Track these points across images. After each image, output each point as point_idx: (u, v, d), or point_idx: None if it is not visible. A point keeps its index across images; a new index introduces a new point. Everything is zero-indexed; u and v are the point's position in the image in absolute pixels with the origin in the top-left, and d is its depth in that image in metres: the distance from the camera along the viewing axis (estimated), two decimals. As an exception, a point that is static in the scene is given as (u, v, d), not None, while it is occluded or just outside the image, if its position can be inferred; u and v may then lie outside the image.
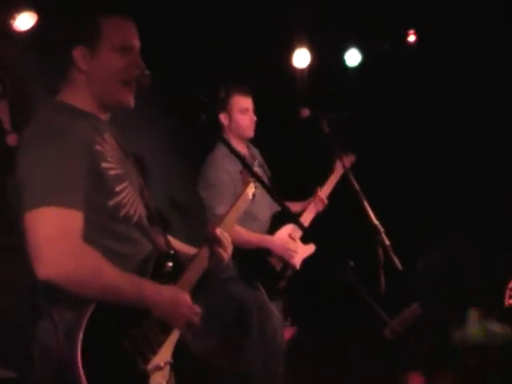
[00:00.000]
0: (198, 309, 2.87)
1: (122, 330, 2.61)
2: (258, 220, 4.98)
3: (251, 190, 3.40)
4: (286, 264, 5.04)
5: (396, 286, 4.50)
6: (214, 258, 3.08)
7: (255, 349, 4.87)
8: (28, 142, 2.68)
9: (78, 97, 2.82)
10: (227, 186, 4.84)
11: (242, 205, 3.37)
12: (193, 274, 2.99)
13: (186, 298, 2.83)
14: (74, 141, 2.61)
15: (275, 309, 5.03)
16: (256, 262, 4.92)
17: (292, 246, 5.05)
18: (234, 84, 5.14)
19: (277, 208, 5.13)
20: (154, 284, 2.77)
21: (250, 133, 5.15)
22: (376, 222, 4.66)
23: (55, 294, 2.59)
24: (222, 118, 5.10)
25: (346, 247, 4.59)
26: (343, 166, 5.28)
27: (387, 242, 4.56)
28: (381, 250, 4.54)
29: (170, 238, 3.18)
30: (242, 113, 5.09)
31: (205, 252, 3.06)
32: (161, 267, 2.87)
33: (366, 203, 4.74)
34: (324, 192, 5.47)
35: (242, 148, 5.14)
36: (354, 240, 5.64)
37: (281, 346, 5.09)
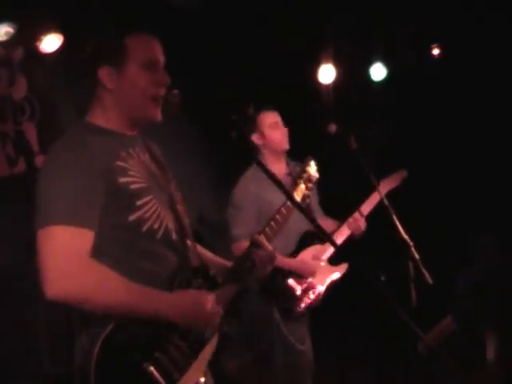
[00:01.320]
0: (218, 309, 2.83)
1: (143, 351, 2.58)
2: (283, 237, 4.86)
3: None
4: (308, 288, 4.88)
5: (427, 300, 4.47)
6: (259, 265, 3.05)
7: (269, 364, 4.83)
8: (45, 160, 2.74)
9: (104, 116, 2.84)
10: (249, 208, 4.86)
11: (285, 214, 3.33)
12: (228, 290, 2.98)
13: (206, 298, 2.76)
14: (88, 157, 2.62)
15: (300, 331, 4.94)
16: (274, 283, 4.79)
17: (316, 267, 4.91)
18: (257, 104, 5.12)
19: (308, 226, 5.06)
20: (170, 294, 2.73)
21: (285, 145, 5.07)
22: (405, 236, 4.63)
23: (84, 316, 2.60)
24: (255, 138, 5.06)
25: (376, 262, 4.57)
26: (386, 189, 5.24)
27: (417, 257, 4.53)
28: (411, 265, 4.50)
29: (204, 250, 3.19)
30: (272, 127, 5.05)
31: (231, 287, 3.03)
32: (188, 283, 2.83)
33: (395, 218, 4.71)
34: (364, 211, 5.23)
35: (280, 166, 5.06)
36: (384, 254, 5.61)
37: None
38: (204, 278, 2.91)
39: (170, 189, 3.00)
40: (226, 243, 6.05)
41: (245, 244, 4.68)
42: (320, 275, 4.94)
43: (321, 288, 4.94)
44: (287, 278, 4.82)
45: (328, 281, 4.99)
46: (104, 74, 2.80)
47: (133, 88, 2.82)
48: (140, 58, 2.81)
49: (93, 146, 2.66)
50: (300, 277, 4.88)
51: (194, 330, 2.75)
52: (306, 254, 4.98)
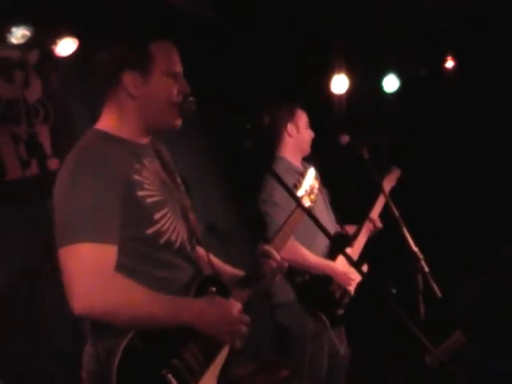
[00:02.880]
0: (246, 318, 2.84)
1: (161, 358, 2.60)
2: (315, 246, 4.88)
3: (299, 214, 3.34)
4: (345, 291, 4.92)
5: (435, 314, 4.46)
6: (267, 276, 3.05)
7: (303, 378, 4.78)
8: (64, 173, 2.68)
9: (119, 123, 2.81)
10: (290, 206, 4.81)
11: (293, 224, 3.31)
12: (239, 297, 2.97)
13: (233, 306, 2.80)
14: (109, 173, 2.60)
15: (335, 337, 4.94)
16: (317, 289, 4.83)
17: (351, 272, 4.90)
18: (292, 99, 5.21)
19: (337, 231, 5.11)
20: (195, 301, 2.75)
21: (309, 149, 5.20)
22: (415, 248, 4.62)
23: (98, 325, 2.61)
24: (290, 128, 5.11)
25: (385, 274, 4.57)
26: (386, 190, 5.25)
27: (426, 269, 4.51)
28: (420, 277, 4.49)
29: (213, 258, 3.18)
30: (307, 128, 5.16)
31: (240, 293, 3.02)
32: (203, 292, 2.84)
33: (405, 230, 4.70)
34: (374, 213, 5.36)
35: (298, 163, 5.15)
36: (393, 267, 5.60)
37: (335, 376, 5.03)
38: (217, 286, 2.92)
39: (180, 197, 3.00)
40: (236, 250, 6.05)
41: (292, 242, 4.67)
42: (355, 281, 4.97)
43: (352, 292, 5.00)
44: (330, 283, 4.83)
45: (356, 283, 5.02)
46: (129, 79, 2.78)
47: (159, 95, 2.81)
48: (165, 65, 2.81)
49: (110, 158, 2.66)
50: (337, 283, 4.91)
51: (218, 337, 2.77)
52: (342, 260, 4.94)
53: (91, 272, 2.49)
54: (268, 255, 3.05)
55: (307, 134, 5.17)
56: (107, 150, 2.69)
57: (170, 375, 2.58)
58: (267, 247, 3.08)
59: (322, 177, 5.22)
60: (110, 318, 2.55)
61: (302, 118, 5.17)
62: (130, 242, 2.66)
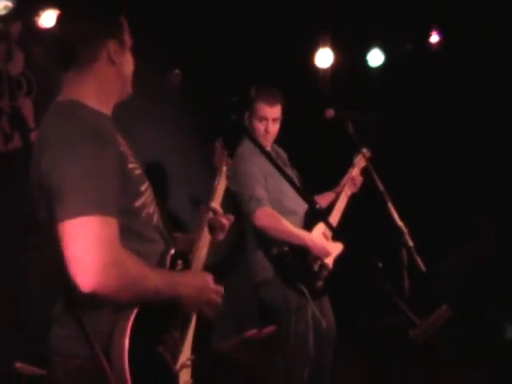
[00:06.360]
0: (221, 288, 2.90)
1: (156, 335, 2.63)
2: (295, 214, 4.92)
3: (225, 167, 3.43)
4: (322, 265, 4.91)
5: (419, 288, 4.48)
6: (218, 229, 3.17)
7: (288, 351, 4.80)
8: (62, 143, 2.55)
9: (96, 96, 2.77)
10: (258, 176, 4.85)
11: (222, 184, 3.38)
12: (198, 262, 3.06)
13: (210, 277, 2.87)
14: (108, 145, 2.55)
15: (318, 309, 4.94)
16: (294, 262, 4.83)
17: (327, 245, 4.92)
18: (263, 90, 5.04)
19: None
20: (185, 274, 2.84)
21: (264, 142, 5.01)
22: (400, 223, 4.63)
23: (84, 303, 2.54)
24: (246, 117, 5.04)
25: (370, 248, 4.58)
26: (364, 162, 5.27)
27: (411, 244, 4.53)
28: (404, 252, 4.51)
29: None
30: (260, 120, 5.02)
31: (205, 237, 3.12)
32: (174, 266, 2.87)
33: (390, 204, 4.71)
34: (355, 172, 5.40)
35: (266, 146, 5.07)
36: (378, 241, 5.62)
37: (322, 351, 5.05)
38: (183, 259, 2.94)
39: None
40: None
41: (270, 209, 4.76)
42: (331, 254, 4.97)
43: (330, 265, 4.99)
44: (306, 255, 4.85)
45: (334, 257, 5.02)
46: (112, 47, 2.79)
47: (128, 63, 2.88)
48: (129, 36, 2.89)
49: (104, 132, 2.60)
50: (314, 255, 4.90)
51: (195, 307, 2.83)
52: (317, 233, 4.98)
53: (102, 246, 2.40)
54: (214, 211, 3.17)
55: (258, 128, 5.03)
56: (98, 122, 2.65)
57: (164, 350, 2.62)
58: (211, 204, 3.19)
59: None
60: (122, 293, 2.49)
61: (258, 111, 5.04)
62: (120, 216, 2.57)
